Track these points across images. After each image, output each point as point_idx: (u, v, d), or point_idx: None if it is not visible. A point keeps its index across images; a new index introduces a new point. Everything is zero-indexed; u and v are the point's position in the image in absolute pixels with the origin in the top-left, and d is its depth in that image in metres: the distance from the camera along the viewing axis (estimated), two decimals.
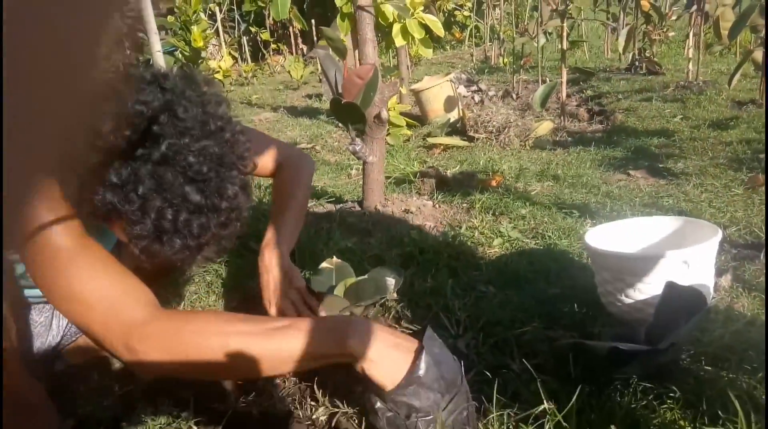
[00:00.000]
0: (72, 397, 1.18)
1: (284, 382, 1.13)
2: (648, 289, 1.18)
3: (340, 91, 1.80)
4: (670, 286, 1.05)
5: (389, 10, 3.40)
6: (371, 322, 0.89)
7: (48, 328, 1.27)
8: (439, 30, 3.40)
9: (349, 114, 1.80)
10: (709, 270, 1.22)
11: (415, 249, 1.72)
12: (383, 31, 3.59)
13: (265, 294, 1.22)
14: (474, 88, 4.99)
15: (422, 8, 3.42)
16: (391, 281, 1.19)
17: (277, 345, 0.84)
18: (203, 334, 0.84)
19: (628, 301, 1.22)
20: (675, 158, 2.48)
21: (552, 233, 1.81)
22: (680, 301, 1.04)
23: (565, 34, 3.26)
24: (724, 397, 0.87)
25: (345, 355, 0.85)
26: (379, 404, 0.87)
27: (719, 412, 0.84)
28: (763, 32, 3.09)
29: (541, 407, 0.90)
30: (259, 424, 0.97)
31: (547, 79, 4.76)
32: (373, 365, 0.84)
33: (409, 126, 3.74)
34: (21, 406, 1.02)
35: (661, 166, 2.41)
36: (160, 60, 6.19)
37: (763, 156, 2.30)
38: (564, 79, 3.32)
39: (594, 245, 1.29)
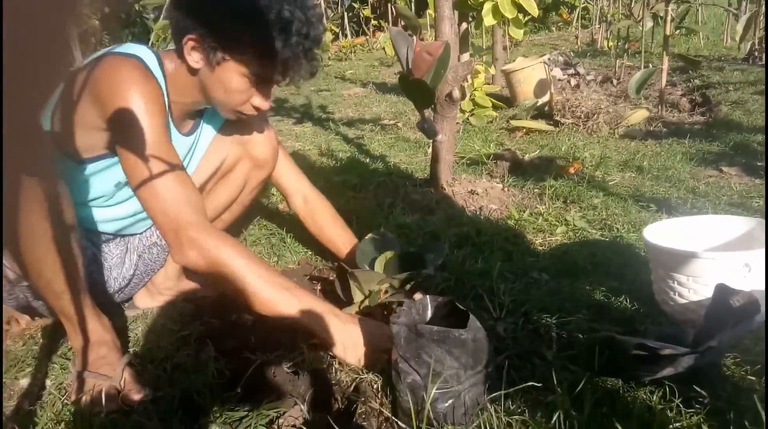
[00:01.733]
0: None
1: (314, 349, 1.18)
2: (703, 290, 1.11)
3: (411, 68, 1.80)
4: (721, 289, 0.99)
5: None
6: (349, 318, 1.10)
7: (122, 262, 1.40)
8: (533, 10, 3.28)
9: (418, 91, 1.80)
10: None
11: (473, 229, 1.70)
12: (476, 9, 3.52)
13: None
14: (571, 71, 4.79)
15: None
16: (430, 256, 1.19)
17: (278, 301, 1.07)
18: (232, 261, 1.06)
19: (681, 300, 1.16)
20: None
21: (621, 226, 1.73)
22: (732, 305, 0.97)
23: (669, 18, 3.04)
24: (757, 409, 0.81)
25: (317, 338, 1.10)
26: (401, 364, 0.89)
27: (746, 423, 0.78)
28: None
29: (552, 396, 0.88)
30: (286, 375, 1.03)
31: (650, 65, 4.48)
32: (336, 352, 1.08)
33: (495, 107, 3.66)
34: (86, 335, 1.14)
35: (759, 164, 2.22)
36: None
37: None
38: (665, 66, 3.11)
39: (652, 241, 1.23)
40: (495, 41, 4.69)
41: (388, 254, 1.24)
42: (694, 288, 1.13)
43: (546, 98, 4.03)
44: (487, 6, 3.46)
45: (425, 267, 1.17)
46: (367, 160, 2.71)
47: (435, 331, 0.83)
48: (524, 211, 1.90)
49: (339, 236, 1.52)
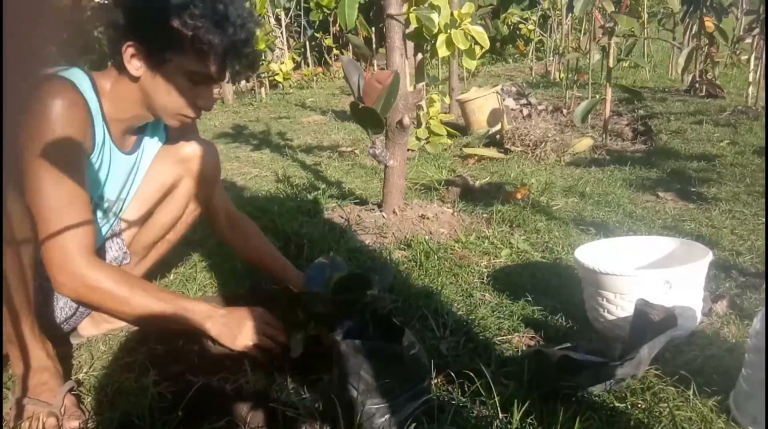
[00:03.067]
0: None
1: (253, 365, 1.19)
2: (629, 306, 1.18)
3: (362, 95, 1.86)
4: (641, 304, 1.05)
5: (435, 20, 3.44)
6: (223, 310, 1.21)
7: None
8: (484, 42, 3.41)
9: (368, 118, 1.85)
10: (697, 293, 1.21)
11: (422, 253, 1.75)
12: (431, 40, 3.63)
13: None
14: (523, 101, 4.97)
15: (469, 20, 3.44)
16: (376, 278, 1.23)
17: (150, 303, 1.15)
18: (103, 282, 1.10)
19: (609, 317, 1.23)
20: (710, 183, 2.41)
21: (561, 248, 1.80)
22: (651, 319, 1.04)
23: (612, 51, 3.21)
24: (675, 416, 0.87)
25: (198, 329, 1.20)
26: (342, 382, 0.92)
27: None
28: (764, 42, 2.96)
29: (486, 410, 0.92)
30: (229, 398, 1.04)
31: (597, 96, 4.68)
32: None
33: (450, 135, 3.77)
34: (27, 360, 1.13)
35: (693, 189, 2.35)
36: None
37: None
38: (608, 97, 3.27)
39: (582, 260, 1.29)
40: (451, 72, 4.83)
41: (336, 276, 1.27)
42: (621, 305, 1.19)
43: (499, 127, 4.16)
44: (441, 38, 3.58)
45: (371, 288, 1.21)
46: (323, 186, 2.75)
47: (373, 346, 0.87)
48: (471, 235, 1.96)
49: (276, 259, 1.55)
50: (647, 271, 1.20)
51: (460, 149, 3.51)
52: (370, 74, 1.84)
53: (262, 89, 6.77)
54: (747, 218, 1.97)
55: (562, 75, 6.16)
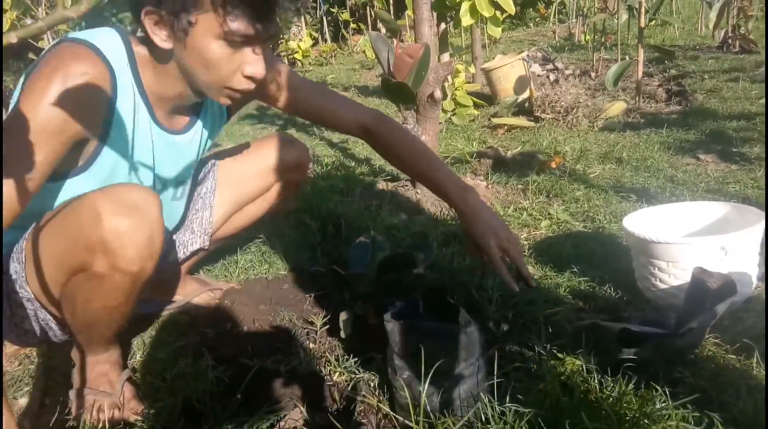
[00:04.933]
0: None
1: (313, 344, 1.20)
2: (683, 274, 1.15)
3: (392, 71, 1.83)
4: (699, 272, 1.03)
5: None
6: None
7: None
8: (510, 8, 3.33)
9: (400, 94, 1.83)
10: (753, 258, 1.18)
11: (459, 229, 1.74)
12: (454, 9, 3.56)
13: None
14: (550, 66, 4.86)
15: None
16: (420, 256, 1.23)
17: None
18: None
19: (662, 286, 1.20)
20: (752, 143, 2.33)
21: (603, 217, 1.77)
22: (709, 287, 1.01)
23: (643, 10, 3.11)
24: (739, 387, 0.85)
25: None
26: (396, 361, 0.92)
27: (728, 402, 0.82)
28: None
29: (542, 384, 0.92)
30: (284, 379, 1.05)
31: (626, 58, 4.55)
32: None
33: (476, 106, 3.71)
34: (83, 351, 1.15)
35: (735, 150, 2.28)
36: None
37: None
38: (641, 58, 3.17)
39: (631, 229, 1.27)
40: (474, 40, 4.74)
41: (379, 255, 1.27)
42: (674, 273, 1.17)
43: (526, 94, 4.08)
44: (465, 6, 3.51)
45: (416, 267, 1.20)
46: (353, 164, 2.74)
47: (427, 326, 0.86)
48: (509, 207, 1.94)
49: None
50: (701, 238, 1.17)
51: (488, 119, 3.46)
52: (401, 49, 1.81)
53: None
54: None
55: (588, 37, 6.00)
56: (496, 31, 3.54)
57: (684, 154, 2.33)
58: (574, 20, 7.96)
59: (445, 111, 3.68)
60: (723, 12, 4.72)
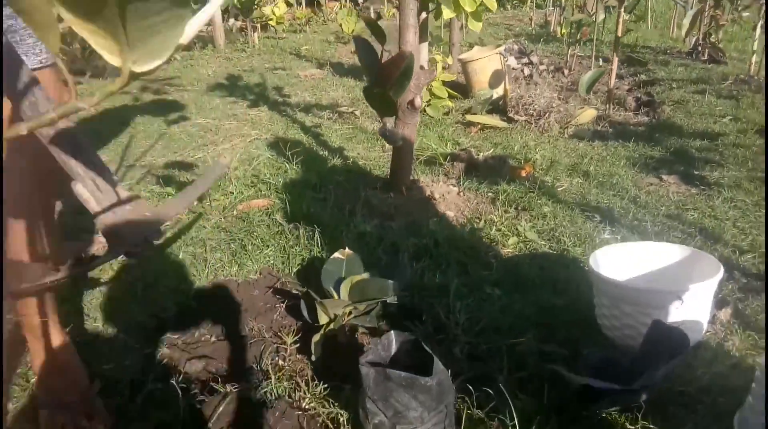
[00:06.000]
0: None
1: (282, 361, 1.23)
2: (642, 318, 1.22)
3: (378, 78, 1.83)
4: (656, 325, 1.09)
5: None
6: None
7: None
8: (492, 5, 3.33)
9: (381, 102, 1.83)
10: (705, 306, 1.25)
11: (431, 240, 1.77)
12: (436, 1, 3.53)
13: None
14: (525, 60, 4.89)
15: None
16: (393, 284, 1.25)
17: None
18: None
19: (621, 327, 1.27)
20: (713, 165, 2.43)
21: (568, 238, 1.83)
22: (664, 340, 1.08)
23: (621, 20, 3.15)
24: None
25: None
26: (369, 405, 0.96)
27: None
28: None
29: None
30: (254, 406, 1.08)
31: (600, 61, 4.61)
32: None
33: (451, 97, 3.72)
34: (53, 365, 1.15)
35: (696, 172, 2.37)
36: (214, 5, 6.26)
37: None
38: (614, 67, 3.23)
39: (597, 268, 1.32)
40: (452, 26, 4.72)
41: (354, 278, 1.29)
42: (634, 316, 1.23)
43: (501, 89, 4.11)
44: None
45: (388, 294, 1.23)
46: (326, 154, 2.73)
47: (403, 378, 0.90)
48: (479, 220, 1.98)
49: None
50: (663, 290, 1.24)
51: (462, 115, 3.48)
52: (385, 59, 1.80)
53: (255, 34, 6.57)
54: (749, 209, 2.01)
55: (564, 30, 6.04)
56: (477, 26, 3.53)
57: (648, 173, 2.41)
58: (551, 8, 7.99)
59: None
60: (696, 20, 4.82)
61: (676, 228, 1.89)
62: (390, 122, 2.07)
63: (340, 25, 6.67)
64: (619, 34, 3.16)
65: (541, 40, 6.31)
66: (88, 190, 0.77)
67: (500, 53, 4.10)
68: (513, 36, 7.57)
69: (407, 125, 2.07)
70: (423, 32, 3.92)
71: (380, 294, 1.24)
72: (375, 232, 1.84)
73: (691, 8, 4.93)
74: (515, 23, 9.49)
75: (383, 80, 1.79)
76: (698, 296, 1.20)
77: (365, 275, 1.36)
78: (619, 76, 4.42)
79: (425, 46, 3.95)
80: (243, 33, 6.99)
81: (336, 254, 1.44)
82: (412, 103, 2.01)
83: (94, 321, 1.47)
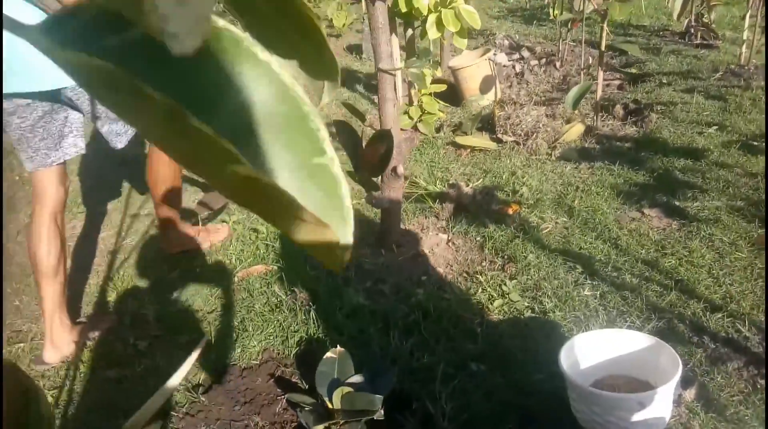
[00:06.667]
0: None
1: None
2: (607, 416, 1.34)
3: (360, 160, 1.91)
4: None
5: (423, 3, 3.36)
6: None
7: None
8: (476, 23, 3.35)
9: (365, 182, 1.92)
10: (667, 402, 1.36)
11: (419, 315, 1.89)
12: (418, 19, 3.56)
13: None
14: (516, 56, 4.89)
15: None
16: (379, 399, 1.38)
17: None
18: None
19: (592, 421, 1.39)
20: (694, 192, 2.50)
21: (549, 299, 1.94)
22: None
23: (605, 34, 3.16)
24: None
25: None
26: None
27: None
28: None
29: None
30: None
31: (591, 48, 4.60)
32: None
33: (443, 102, 3.78)
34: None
35: (677, 203, 2.44)
36: None
37: None
38: (600, 80, 3.26)
39: (568, 359, 1.44)
40: (441, 43, 4.70)
41: (344, 390, 1.42)
42: (603, 416, 1.35)
43: (491, 94, 4.15)
44: (431, 18, 3.50)
45: (375, 408, 1.36)
46: None
47: None
48: (468, 277, 2.08)
49: None
50: (624, 396, 1.35)
51: (453, 131, 3.55)
52: (365, 146, 1.89)
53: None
54: (725, 249, 2.10)
55: (556, 12, 5.98)
56: (462, 43, 3.56)
57: (631, 205, 2.49)
58: None
59: (411, 118, 3.74)
60: (687, 2, 4.77)
61: (654, 279, 1.98)
62: (374, 192, 2.16)
63: (330, 19, 6.63)
64: (602, 47, 3.18)
65: (534, 22, 6.25)
66: None
67: (489, 59, 4.12)
68: (507, 12, 7.48)
69: (393, 189, 2.16)
70: (410, 49, 3.96)
71: (368, 406, 1.37)
72: (367, 307, 1.95)
73: None
74: (511, 1, 9.33)
75: (365, 165, 1.87)
76: (658, 398, 1.32)
77: (357, 378, 1.49)
78: (611, 67, 4.43)
79: (413, 60, 3.97)
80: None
81: (329, 354, 1.56)
82: (395, 170, 2.09)
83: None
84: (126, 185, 3.14)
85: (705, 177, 2.63)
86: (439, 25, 3.47)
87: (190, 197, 2.87)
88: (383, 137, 1.91)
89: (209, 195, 2.79)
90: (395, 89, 2.10)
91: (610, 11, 2.94)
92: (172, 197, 2.24)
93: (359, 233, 2.41)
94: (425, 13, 3.42)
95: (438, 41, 4.75)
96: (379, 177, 2.12)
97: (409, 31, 3.72)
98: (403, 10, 3.43)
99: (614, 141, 3.16)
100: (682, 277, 1.98)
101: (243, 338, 1.90)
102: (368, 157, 1.88)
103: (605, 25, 3.13)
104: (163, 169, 2.17)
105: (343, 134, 1.90)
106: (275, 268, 2.23)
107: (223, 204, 2.75)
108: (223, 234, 2.50)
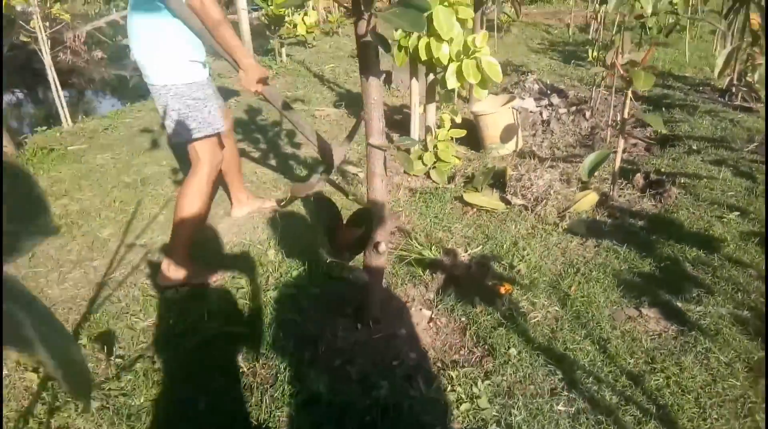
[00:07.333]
0: None
1: None
2: None
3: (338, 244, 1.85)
4: None
5: (444, 53, 3.27)
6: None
7: None
8: (497, 77, 3.25)
9: (337, 259, 1.85)
10: None
11: (377, 414, 1.80)
12: (438, 66, 3.47)
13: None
14: (545, 102, 4.76)
15: (483, 50, 3.25)
16: None
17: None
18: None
19: None
20: (701, 292, 2.35)
21: (519, 412, 1.83)
22: None
23: (628, 101, 3.01)
24: None
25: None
26: None
27: None
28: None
29: None
30: None
31: (622, 97, 4.43)
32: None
33: (464, 146, 3.68)
34: None
35: (679, 304, 2.30)
36: (244, 17, 6.23)
37: None
38: (620, 149, 3.11)
39: None
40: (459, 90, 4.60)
41: None
42: None
43: (512, 143, 4.04)
44: (451, 67, 3.42)
45: None
46: (316, 262, 2.76)
47: None
48: (440, 370, 1.99)
49: None
50: None
51: (464, 184, 3.45)
52: (344, 226, 1.82)
53: (283, 49, 6.55)
54: (720, 371, 1.95)
55: (594, 54, 5.81)
56: (482, 94, 3.47)
57: (630, 300, 2.35)
58: (599, 6, 7.67)
59: (425, 164, 3.66)
60: (730, 59, 4.55)
61: (635, 400, 1.86)
62: (357, 271, 2.09)
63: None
64: (625, 115, 3.04)
65: (572, 61, 6.08)
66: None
67: (513, 108, 4.02)
68: (548, 45, 7.30)
69: (374, 265, 2.08)
70: (431, 93, 3.88)
71: None
72: (325, 394, 1.87)
73: (728, 46, 4.65)
74: (555, 22, 9.14)
75: (341, 245, 1.80)
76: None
77: None
78: (640, 123, 4.26)
79: (432, 107, 3.90)
80: (271, 53, 6.93)
81: None
82: (377, 247, 2.02)
83: None
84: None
85: (715, 274, 2.47)
86: (460, 75, 3.38)
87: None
88: (363, 218, 1.84)
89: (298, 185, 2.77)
90: (384, 165, 2.02)
91: (635, 81, 2.79)
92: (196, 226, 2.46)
93: (335, 299, 2.35)
94: (446, 62, 3.34)
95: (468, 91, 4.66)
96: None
97: (431, 76, 3.63)
98: (423, 58, 3.35)
99: (628, 217, 3.01)
100: (666, 402, 1.85)
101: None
102: (345, 238, 1.80)
103: (629, 92, 2.99)
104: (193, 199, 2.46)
105: (322, 210, 1.83)
106: (245, 329, 2.18)
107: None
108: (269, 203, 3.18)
